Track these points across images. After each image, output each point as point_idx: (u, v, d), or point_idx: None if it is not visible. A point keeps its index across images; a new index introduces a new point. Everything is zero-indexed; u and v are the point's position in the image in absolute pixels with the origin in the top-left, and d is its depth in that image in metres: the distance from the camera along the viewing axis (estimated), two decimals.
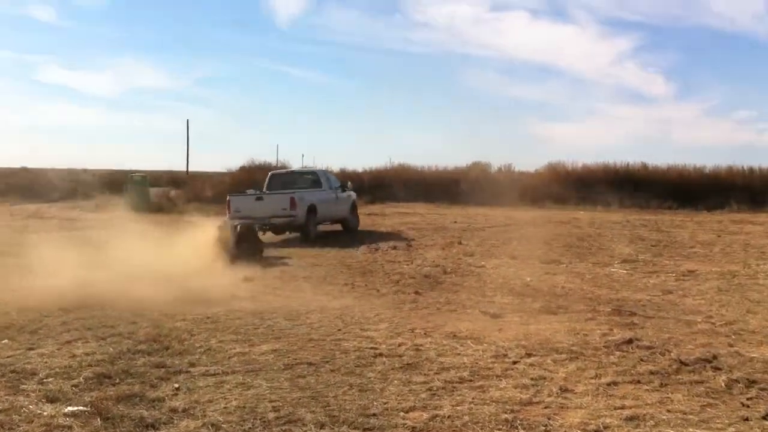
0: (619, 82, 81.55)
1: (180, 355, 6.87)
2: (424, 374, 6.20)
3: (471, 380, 6.02)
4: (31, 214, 26.34)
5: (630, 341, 7.30)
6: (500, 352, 6.96)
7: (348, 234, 21.70)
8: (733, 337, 7.73)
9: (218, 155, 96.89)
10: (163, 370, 6.31)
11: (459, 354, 6.90)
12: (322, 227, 21.68)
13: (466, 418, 5.07)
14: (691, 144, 74.30)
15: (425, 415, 5.12)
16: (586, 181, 37.60)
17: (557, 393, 5.65)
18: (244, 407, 5.28)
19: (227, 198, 20.80)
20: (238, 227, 16.32)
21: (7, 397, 5.49)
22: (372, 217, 26.80)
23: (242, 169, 44.17)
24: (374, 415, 5.13)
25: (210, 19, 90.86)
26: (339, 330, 8.00)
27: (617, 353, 6.91)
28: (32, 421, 4.95)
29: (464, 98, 71.04)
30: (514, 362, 6.61)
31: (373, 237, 20.08)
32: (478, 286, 11.33)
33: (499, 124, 73.60)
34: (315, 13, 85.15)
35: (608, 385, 5.89)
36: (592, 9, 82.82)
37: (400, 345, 7.24)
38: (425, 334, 7.79)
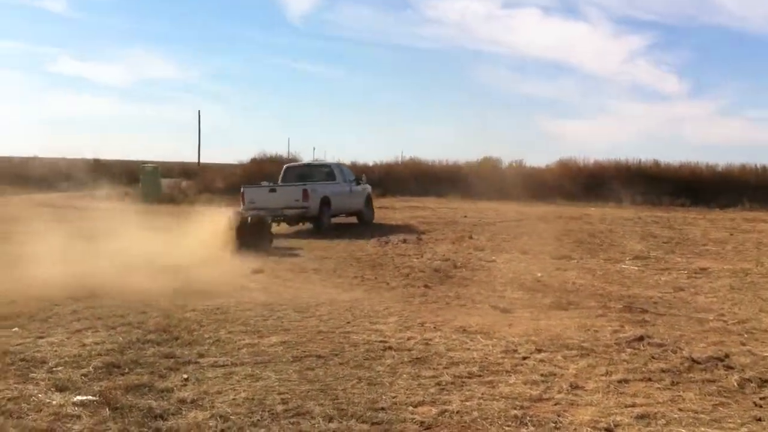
0: (631, 79, 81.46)
1: (189, 345, 6.87)
2: (433, 368, 6.16)
3: (480, 375, 5.99)
4: (41, 202, 26.42)
5: (641, 338, 7.24)
6: (510, 347, 6.92)
7: (359, 227, 21.71)
8: (746, 335, 7.66)
9: (229, 147, 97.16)
10: (172, 360, 6.31)
11: (468, 349, 6.86)
12: (336, 219, 21.86)
13: (475, 413, 5.03)
14: (703, 142, 74.20)
15: (434, 410, 5.09)
16: (597, 178, 37.51)
17: (567, 390, 5.61)
18: (252, 399, 5.26)
19: (241, 189, 21.22)
20: (249, 218, 16.36)
21: (16, 385, 5.49)
22: (383, 210, 26.73)
23: (253, 161, 44.31)
24: (383, 409, 5.11)
25: (221, 12, 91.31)
26: (348, 323, 7.98)
27: (628, 350, 6.86)
28: (41, 410, 4.94)
29: (475, 94, 71.05)
30: (524, 358, 6.56)
31: (383, 230, 20.07)
32: (489, 281, 11.29)
33: (510, 120, 73.56)
34: (327, 9, 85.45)
35: (619, 382, 5.84)
36: (605, 7, 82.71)
37: (409, 339, 7.21)
38: (435, 328, 7.76)
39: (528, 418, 4.96)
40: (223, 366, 6.16)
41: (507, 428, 4.81)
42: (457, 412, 5.05)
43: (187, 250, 13.42)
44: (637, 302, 9.58)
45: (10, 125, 78.40)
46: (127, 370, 5.95)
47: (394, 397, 5.36)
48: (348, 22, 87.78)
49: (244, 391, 5.45)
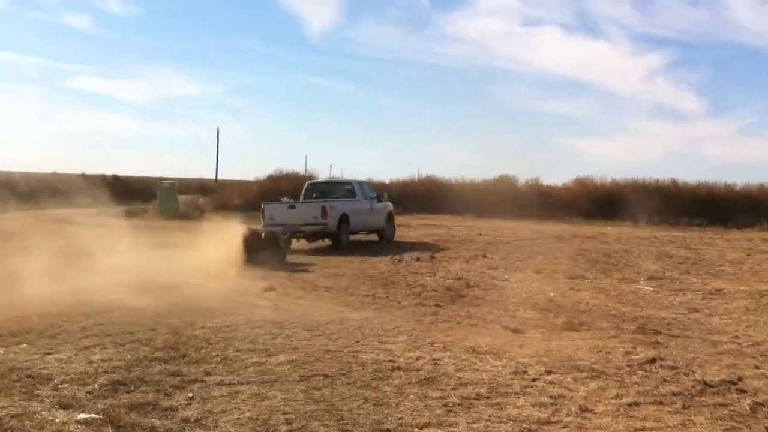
0: (650, 98, 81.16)
1: (196, 363, 6.84)
2: (441, 389, 6.09)
3: (488, 397, 5.91)
4: (57, 218, 26.59)
5: (653, 360, 7.14)
6: (520, 368, 6.84)
7: (373, 244, 21.71)
8: (760, 358, 7.54)
9: (248, 164, 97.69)
10: (178, 378, 6.27)
11: (477, 369, 6.79)
12: (357, 237, 22.10)
13: None
14: (723, 161, 73.59)
15: None
16: (614, 197, 37.30)
17: (576, 413, 5.52)
18: (256, 419, 5.22)
19: (262, 205, 21.42)
20: (262, 234, 16.42)
21: (21, 402, 5.47)
22: (398, 228, 26.60)
23: (270, 178, 44.44)
24: (388, 430, 5.06)
25: (243, 30, 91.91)
26: (357, 342, 7.92)
27: (640, 373, 6.76)
28: (43, 428, 4.92)
29: (494, 112, 71.04)
30: (534, 379, 6.48)
31: (397, 248, 20.02)
32: (501, 300, 11.21)
33: (528, 138, 73.53)
34: (347, 27, 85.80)
35: (629, 405, 5.75)
36: (624, 25, 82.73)
37: (418, 359, 7.15)
38: (444, 348, 7.69)
39: None
40: (229, 385, 6.12)
41: None
42: None
43: (200, 267, 13.46)
44: (651, 323, 9.46)
45: (30, 140, 79.13)
46: (132, 388, 5.93)
47: (399, 419, 5.30)
48: (368, 40, 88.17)
49: (248, 410, 5.41)
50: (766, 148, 72.37)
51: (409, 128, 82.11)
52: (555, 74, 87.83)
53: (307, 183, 24.31)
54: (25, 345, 7.41)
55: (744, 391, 6.16)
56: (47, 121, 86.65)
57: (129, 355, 7.04)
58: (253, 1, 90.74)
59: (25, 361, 6.72)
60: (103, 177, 53.91)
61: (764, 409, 5.67)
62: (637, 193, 37.05)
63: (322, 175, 43.41)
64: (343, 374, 6.53)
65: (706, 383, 6.35)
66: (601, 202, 37.12)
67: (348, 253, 18.64)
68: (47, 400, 5.55)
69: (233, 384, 6.14)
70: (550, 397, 5.92)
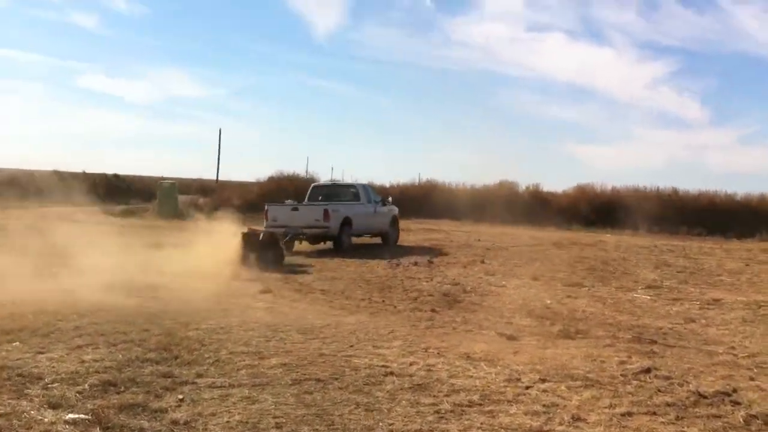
0: (654, 105, 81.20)
1: (188, 365, 6.80)
2: (434, 396, 6.06)
3: (481, 404, 5.87)
4: (57, 216, 26.53)
5: (648, 370, 7.11)
6: (513, 375, 6.80)
7: (372, 248, 21.67)
8: (755, 370, 7.49)
9: (249, 165, 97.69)
10: (169, 380, 6.24)
11: (471, 376, 6.75)
12: (361, 240, 22.37)
13: None
14: (726, 170, 73.55)
15: None
16: (614, 204, 37.29)
17: (569, 422, 5.48)
18: (246, 422, 5.18)
19: (265, 207, 21.50)
20: (260, 235, 16.41)
21: (10, 401, 5.44)
22: None
23: (270, 179, 44.38)
24: None
25: (247, 31, 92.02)
26: (351, 346, 7.89)
27: (634, 382, 6.72)
28: (31, 427, 4.88)
29: (497, 116, 71.09)
30: (527, 387, 6.44)
31: (395, 252, 19.99)
32: (497, 307, 11.17)
33: (531, 144, 73.56)
34: (352, 29, 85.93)
35: (623, 415, 5.70)
36: (629, 32, 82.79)
37: (411, 364, 7.11)
38: (438, 354, 7.65)
39: None
40: (220, 387, 6.08)
41: None
42: None
43: (196, 267, 13.44)
44: (647, 333, 9.42)
45: (33, 138, 79.18)
46: (123, 389, 5.89)
47: (390, 425, 5.26)
48: (373, 42, 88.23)
49: (238, 413, 5.37)
50: (767, 157, 72.37)
51: (410, 131, 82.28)
52: (559, 80, 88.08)
53: (311, 185, 24.52)
54: (17, 343, 7.37)
55: (738, 403, 6.12)
56: (51, 119, 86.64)
57: (121, 356, 7.00)
58: (259, 2, 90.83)
59: (17, 360, 6.68)
60: (104, 176, 53.99)
61: (758, 421, 5.64)
62: (637, 201, 36.99)
63: (323, 177, 43.33)
64: (336, 379, 6.49)
65: (700, 394, 6.32)
66: (601, 210, 37.10)
67: (346, 256, 18.62)
68: (36, 399, 5.51)
69: (224, 386, 6.10)
70: (543, 405, 5.88)
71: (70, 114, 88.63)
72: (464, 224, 34.83)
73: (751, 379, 7.06)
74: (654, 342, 8.77)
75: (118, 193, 48.85)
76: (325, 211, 20.23)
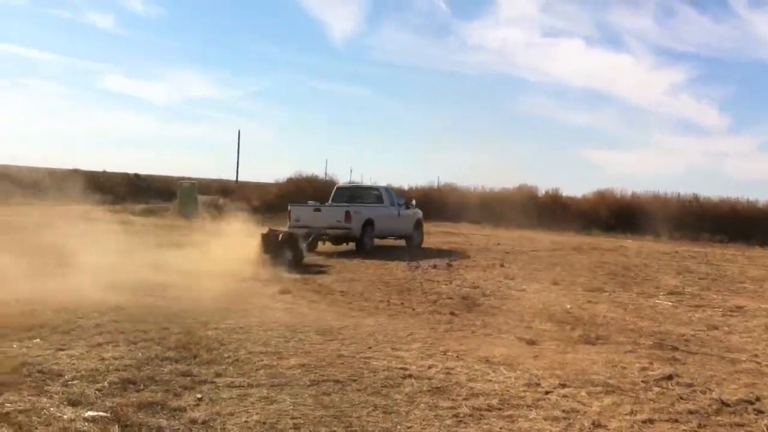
0: (673, 112, 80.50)
1: (207, 364, 6.80)
2: (452, 399, 6.02)
3: (500, 409, 5.83)
4: (78, 215, 26.70)
5: (670, 377, 7.03)
6: (533, 380, 6.75)
7: (392, 250, 21.65)
8: None
9: (266, 166, 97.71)
10: (188, 378, 6.24)
11: (490, 380, 6.70)
12: (385, 242, 22.61)
13: None
14: (745, 177, 72.91)
15: None
16: (635, 210, 37.04)
17: (589, 428, 5.43)
18: (264, 423, 5.17)
19: (289, 207, 21.71)
20: (280, 235, 16.44)
21: (30, 397, 5.46)
22: None
23: (289, 180, 44.48)
24: None
25: (265, 34, 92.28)
26: (370, 348, 7.86)
27: (656, 389, 6.65)
28: (50, 424, 4.89)
29: (514, 121, 70.86)
30: (547, 392, 6.38)
31: (414, 255, 19.93)
32: (517, 311, 11.10)
33: (549, 149, 73.32)
34: (369, 34, 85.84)
35: (644, 422, 5.64)
36: (646, 39, 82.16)
37: (430, 367, 7.07)
38: (457, 357, 7.61)
39: None
40: (239, 387, 6.08)
41: None
42: None
43: (216, 267, 13.48)
44: (669, 339, 9.33)
45: (52, 138, 79.72)
46: (142, 387, 5.90)
47: (409, 428, 5.23)
48: (389, 46, 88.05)
49: (257, 413, 5.36)
50: None
51: (427, 135, 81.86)
52: (575, 85, 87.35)
53: (336, 187, 24.71)
54: (38, 340, 7.41)
55: (761, 412, 6.04)
56: (70, 118, 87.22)
57: (141, 354, 7.02)
58: (276, 6, 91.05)
59: (37, 356, 6.71)
60: (126, 175, 54.37)
61: None
62: (657, 207, 36.73)
63: (342, 179, 43.44)
64: (354, 380, 6.47)
65: (723, 402, 6.24)
66: (621, 215, 36.89)
67: (365, 257, 18.58)
68: (56, 396, 5.53)
69: (243, 386, 6.10)
70: (563, 411, 5.83)
71: (88, 114, 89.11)
72: (483, 228, 34.75)
73: None
74: (676, 349, 8.68)
75: (139, 192, 49.17)
76: (347, 213, 20.34)
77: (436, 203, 39.83)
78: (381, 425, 5.25)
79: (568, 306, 11.79)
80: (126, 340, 7.58)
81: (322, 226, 20.07)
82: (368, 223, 20.88)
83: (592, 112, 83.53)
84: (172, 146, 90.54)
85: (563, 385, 6.61)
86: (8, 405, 5.23)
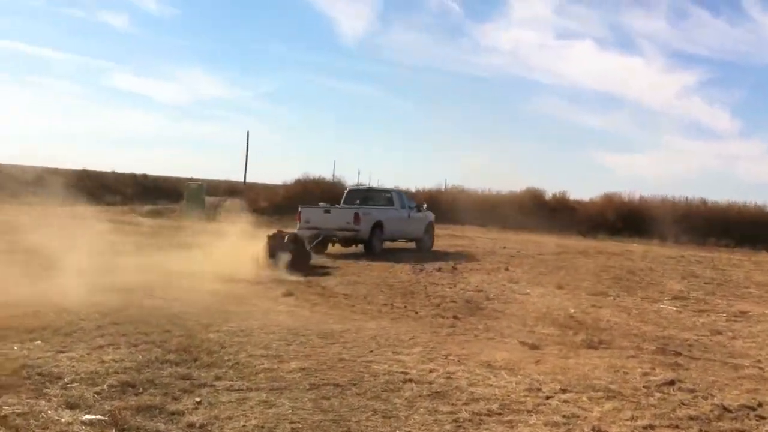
0: (684, 115, 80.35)
1: (207, 367, 6.79)
2: (452, 404, 5.99)
3: (500, 414, 5.80)
4: (86, 216, 26.79)
5: (672, 383, 7.00)
6: (534, 385, 6.72)
7: (396, 253, 21.63)
8: None
9: (273, 167, 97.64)
10: (188, 382, 6.23)
11: (491, 385, 6.68)
12: (395, 244, 22.71)
13: None
14: (757, 181, 72.70)
15: None
16: (642, 214, 36.98)
17: None
18: (262, 427, 5.16)
19: (299, 208, 21.70)
20: (285, 237, 16.43)
21: (28, 400, 5.45)
22: None
23: (297, 182, 44.54)
24: None
25: (275, 34, 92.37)
26: (371, 351, 7.84)
27: (657, 395, 6.61)
28: (48, 428, 4.89)
29: (525, 123, 70.89)
30: (548, 397, 6.36)
31: (420, 257, 19.90)
32: (520, 315, 11.06)
33: (559, 151, 73.20)
34: (381, 34, 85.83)
35: (644, 428, 5.62)
36: (659, 41, 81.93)
37: (431, 371, 7.05)
38: (459, 361, 7.58)
39: None
40: (238, 390, 6.07)
41: None
42: None
43: (220, 269, 13.48)
44: (672, 344, 9.28)
45: (61, 137, 79.88)
46: (141, 390, 5.89)
47: None
48: (401, 47, 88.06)
49: (255, 418, 5.35)
50: None
51: (437, 137, 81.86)
52: (587, 87, 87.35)
53: (347, 189, 24.84)
54: (39, 342, 7.41)
55: (763, 418, 6.01)
56: (80, 117, 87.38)
57: (141, 357, 7.01)
58: (287, 6, 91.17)
59: (37, 359, 6.71)
60: (133, 176, 54.47)
61: None
62: (665, 211, 36.64)
63: (350, 180, 43.41)
64: (354, 384, 6.45)
65: (724, 408, 6.21)
66: (628, 219, 36.83)
67: (370, 260, 18.58)
68: (55, 399, 5.53)
69: (242, 390, 6.09)
70: (563, 416, 5.80)
71: (97, 113, 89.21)
72: (489, 231, 34.72)
73: None
74: (679, 354, 8.63)
75: (146, 193, 49.24)
76: (356, 215, 20.37)
77: (443, 205, 39.81)
78: (380, 430, 5.24)
79: (572, 310, 11.75)
80: (127, 343, 7.58)
81: (331, 227, 20.17)
82: (377, 226, 20.90)
83: (604, 114, 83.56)
84: (181, 146, 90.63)
85: (564, 390, 6.58)
86: (6, 408, 5.23)
